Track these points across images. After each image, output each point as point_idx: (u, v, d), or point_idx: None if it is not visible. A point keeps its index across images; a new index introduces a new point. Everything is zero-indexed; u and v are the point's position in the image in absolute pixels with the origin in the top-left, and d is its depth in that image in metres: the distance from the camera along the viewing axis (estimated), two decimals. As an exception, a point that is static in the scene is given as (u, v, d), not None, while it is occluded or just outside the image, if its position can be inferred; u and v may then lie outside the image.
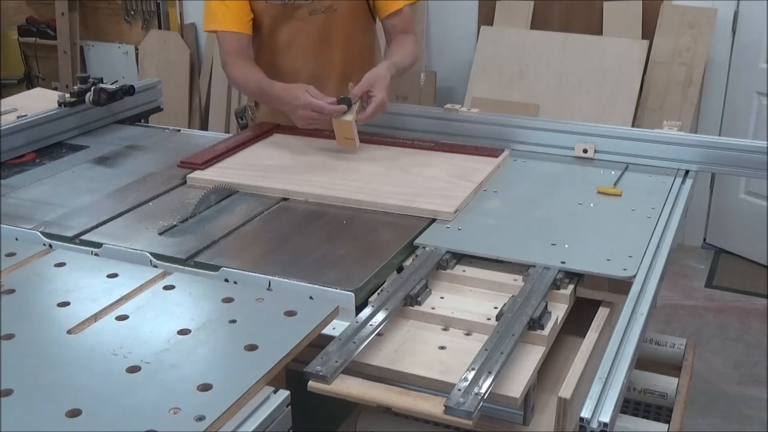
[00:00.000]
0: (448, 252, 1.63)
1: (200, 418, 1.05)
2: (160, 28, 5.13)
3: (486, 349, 1.29)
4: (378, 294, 1.48)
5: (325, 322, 1.32)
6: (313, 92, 2.08)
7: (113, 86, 2.42)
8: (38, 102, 2.50)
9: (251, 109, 2.52)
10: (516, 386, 1.26)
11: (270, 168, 2.06)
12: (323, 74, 2.32)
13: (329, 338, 1.32)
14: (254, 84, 2.26)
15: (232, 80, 2.37)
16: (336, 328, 1.36)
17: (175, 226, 1.75)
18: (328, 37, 2.31)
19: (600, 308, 1.55)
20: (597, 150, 2.12)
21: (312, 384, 1.23)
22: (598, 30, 4.10)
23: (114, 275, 1.46)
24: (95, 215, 1.80)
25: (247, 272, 1.53)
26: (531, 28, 4.21)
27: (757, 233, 3.96)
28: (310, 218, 1.81)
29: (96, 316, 1.32)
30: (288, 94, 2.12)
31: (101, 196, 1.92)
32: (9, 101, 2.59)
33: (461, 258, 1.63)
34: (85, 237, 1.69)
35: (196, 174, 2.02)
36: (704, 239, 4.24)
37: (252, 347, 1.22)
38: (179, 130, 2.48)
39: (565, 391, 1.30)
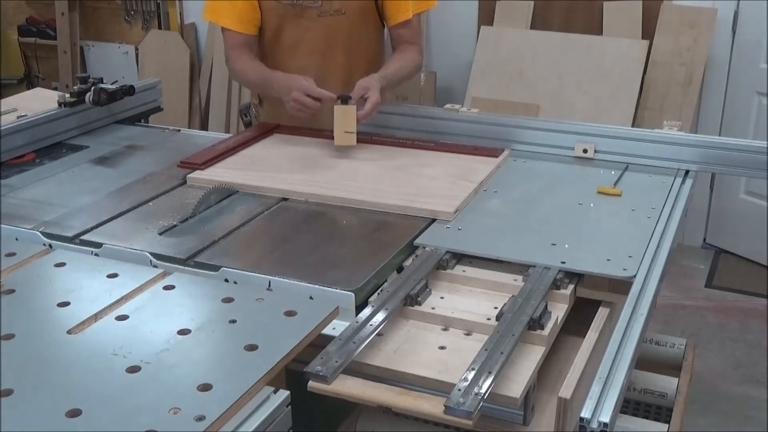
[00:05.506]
0: (448, 252, 1.63)
1: (200, 418, 1.05)
2: (160, 28, 5.13)
3: (486, 349, 1.29)
4: (378, 294, 1.48)
5: (325, 322, 1.32)
6: (312, 83, 2.11)
7: (113, 86, 2.42)
8: (38, 102, 2.50)
9: (255, 107, 2.53)
10: (516, 386, 1.26)
11: (270, 168, 2.06)
12: (328, 76, 2.31)
13: (329, 338, 1.32)
14: (255, 72, 2.28)
15: (233, 72, 2.39)
16: (336, 328, 1.36)
17: (175, 226, 1.75)
18: (335, 40, 2.31)
19: (600, 308, 1.55)
20: (597, 150, 2.12)
21: (312, 384, 1.23)
22: (598, 30, 4.09)
23: (114, 275, 1.46)
24: (95, 215, 1.80)
25: (247, 272, 1.53)
26: (531, 28, 4.21)
27: (757, 233, 3.96)
28: (310, 218, 1.81)
29: (96, 316, 1.32)
30: (286, 78, 2.17)
31: (101, 196, 1.92)
32: (9, 101, 2.60)
33: (461, 258, 1.63)
34: (85, 237, 1.69)
35: (196, 174, 2.02)
36: (704, 239, 4.24)
37: (252, 347, 1.22)
38: (179, 130, 2.49)
39: (565, 391, 1.30)
